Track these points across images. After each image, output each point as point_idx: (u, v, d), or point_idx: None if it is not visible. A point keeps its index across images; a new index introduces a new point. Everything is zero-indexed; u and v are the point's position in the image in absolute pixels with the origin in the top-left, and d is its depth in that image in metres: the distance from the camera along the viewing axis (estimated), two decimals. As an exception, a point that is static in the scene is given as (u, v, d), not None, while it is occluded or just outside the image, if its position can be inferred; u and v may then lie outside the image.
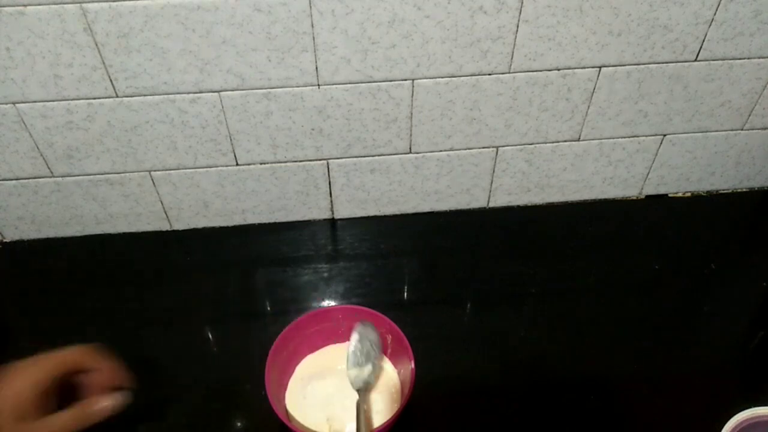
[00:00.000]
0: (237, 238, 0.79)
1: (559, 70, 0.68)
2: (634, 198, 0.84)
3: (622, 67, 0.68)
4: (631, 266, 0.75)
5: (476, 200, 0.81)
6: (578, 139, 0.75)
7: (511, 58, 0.66)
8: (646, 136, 0.76)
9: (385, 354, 0.64)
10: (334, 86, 0.66)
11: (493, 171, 0.78)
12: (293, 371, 0.64)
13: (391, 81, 0.66)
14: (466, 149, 0.75)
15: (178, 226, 0.79)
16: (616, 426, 0.60)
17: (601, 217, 0.82)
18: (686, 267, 0.75)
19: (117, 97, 0.64)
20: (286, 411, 0.60)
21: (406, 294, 0.72)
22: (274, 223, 0.80)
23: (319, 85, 0.66)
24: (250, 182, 0.75)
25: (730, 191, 0.85)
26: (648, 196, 0.84)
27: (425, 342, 0.61)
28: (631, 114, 0.73)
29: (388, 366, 0.64)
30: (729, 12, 0.65)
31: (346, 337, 0.63)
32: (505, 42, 0.64)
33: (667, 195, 0.84)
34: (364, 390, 0.60)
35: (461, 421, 0.59)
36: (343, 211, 0.81)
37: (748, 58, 0.69)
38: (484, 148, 0.75)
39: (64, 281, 0.75)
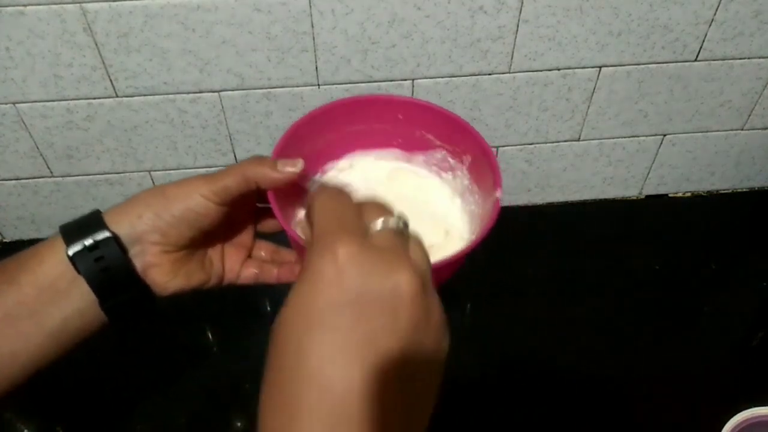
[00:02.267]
0: (237, 238, 0.79)
1: (559, 70, 0.67)
2: (634, 198, 0.84)
3: (622, 67, 0.68)
4: (631, 266, 0.75)
5: (476, 200, 0.81)
6: (578, 139, 0.75)
7: (511, 58, 0.66)
8: (646, 136, 0.76)
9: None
10: (334, 86, 0.66)
11: (493, 171, 0.78)
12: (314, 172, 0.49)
13: (391, 81, 0.66)
14: (466, 149, 0.74)
15: (178, 226, 0.79)
16: (615, 426, 0.60)
17: (601, 217, 0.82)
18: (686, 267, 0.75)
19: (117, 97, 0.64)
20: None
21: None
22: (274, 223, 0.80)
23: (319, 84, 0.66)
24: (250, 182, 0.75)
25: (730, 191, 0.85)
26: (648, 196, 0.84)
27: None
28: (631, 114, 0.73)
29: (442, 190, 0.50)
30: (729, 12, 0.64)
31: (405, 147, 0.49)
32: (505, 42, 0.64)
33: (667, 195, 0.84)
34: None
35: (461, 421, 0.59)
36: (343, 211, 0.80)
37: (749, 58, 0.69)
38: (484, 148, 0.75)
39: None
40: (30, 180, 0.72)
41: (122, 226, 0.40)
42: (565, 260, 0.76)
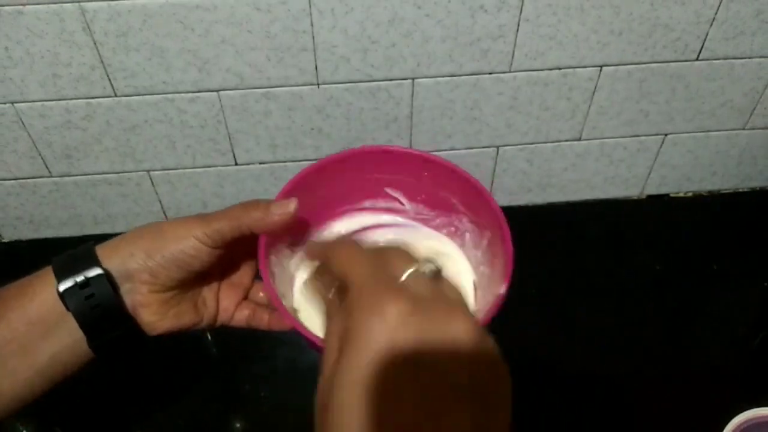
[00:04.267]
0: (236, 239, 0.79)
1: (560, 69, 0.67)
2: (636, 198, 0.84)
3: (624, 67, 0.68)
4: (632, 266, 0.75)
5: (477, 200, 0.81)
6: (579, 139, 0.75)
7: (512, 58, 0.65)
8: (648, 135, 0.76)
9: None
10: (334, 85, 0.66)
11: (494, 171, 0.77)
12: (316, 230, 0.47)
13: (391, 80, 0.66)
14: (466, 149, 0.74)
15: (178, 226, 0.79)
16: (616, 427, 0.60)
17: (602, 217, 0.82)
18: (687, 267, 0.75)
19: (116, 96, 0.64)
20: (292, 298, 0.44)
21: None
22: (274, 224, 0.80)
23: (318, 84, 0.65)
24: (249, 182, 0.75)
25: (731, 191, 0.85)
26: (649, 196, 0.84)
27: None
28: (633, 113, 0.73)
29: (462, 264, 0.47)
30: (730, 11, 0.64)
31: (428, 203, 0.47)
32: (505, 41, 0.64)
33: (668, 195, 0.84)
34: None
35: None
36: (343, 211, 0.80)
37: (750, 58, 0.69)
38: (484, 147, 0.74)
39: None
40: (29, 180, 0.71)
41: (114, 262, 0.38)
42: (566, 260, 0.76)
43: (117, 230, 0.78)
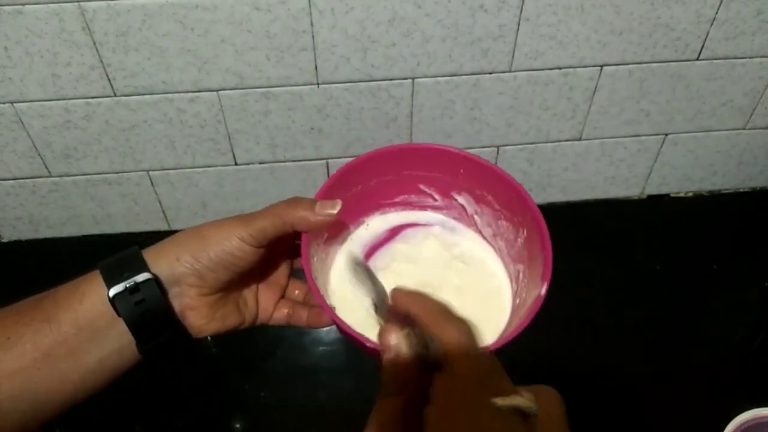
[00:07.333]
0: (236, 238, 0.79)
1: (560, 69, 0.67)
2: (636, 198, 0.84)
3: (624, 66, 0.68)
4: (632, 266, 0.75)
5: (477, 200, 0.81)
6: (580, 139, 0.75)
7: (512, 57, 0.65)
8: (648, 135, 0.76)
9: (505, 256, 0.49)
10: (334, 85, 0.66)
11: (494, 171, 0.77)
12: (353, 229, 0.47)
13: (391, 80, 0.66)
14: (466, 149, 0.74)
15: (177, 225, 0.79)
16: (616, 427, 0.60)
17: (602, 217, 0.82)
18: (688, 267, 0.75)
19: (115, 96, 0.64)
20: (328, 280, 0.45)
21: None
22: (274, 223, 0.80)
23: (318, 84, 0.65)
24: (249, 182, 0.75)
25: (732, 191, 0.85)
26: (650, 196, 0.84)
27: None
28: (633, 113, 0.73)
29: (496, 266, 0.48)
30: (731, 11, 0.64)
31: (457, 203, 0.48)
32: (506, 41, 0.64)
33: (669, 195, 0.84)
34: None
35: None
36: (342, 211, 0.80)
37: (750, 57, 0.69)
38: (485, 147, 0.74)
39: (62, 282, 0.74)
40: (28, 180, 0.71)
41: (162, 267, 0.39)
42: (566, 260, 0.75)
43: (116, 230, 0.79)
